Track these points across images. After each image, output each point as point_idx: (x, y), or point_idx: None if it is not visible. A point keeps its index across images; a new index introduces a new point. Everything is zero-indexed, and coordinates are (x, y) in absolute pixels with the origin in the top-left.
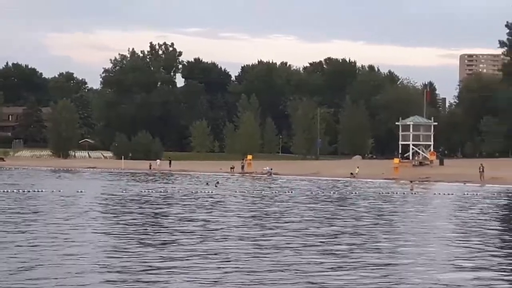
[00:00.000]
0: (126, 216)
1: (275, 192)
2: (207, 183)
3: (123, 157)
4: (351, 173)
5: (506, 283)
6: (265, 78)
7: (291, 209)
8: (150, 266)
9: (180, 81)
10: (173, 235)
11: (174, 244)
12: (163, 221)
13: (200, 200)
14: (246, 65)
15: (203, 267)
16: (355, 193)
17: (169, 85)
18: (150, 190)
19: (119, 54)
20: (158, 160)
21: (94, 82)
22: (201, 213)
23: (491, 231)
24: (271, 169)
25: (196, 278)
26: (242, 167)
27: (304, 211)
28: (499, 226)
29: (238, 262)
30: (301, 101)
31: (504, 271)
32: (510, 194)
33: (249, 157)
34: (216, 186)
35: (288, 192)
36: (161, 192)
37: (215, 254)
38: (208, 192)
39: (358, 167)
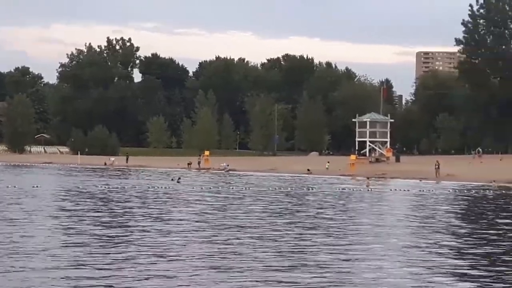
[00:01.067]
0: (82, 212)
1: (235, 188)
2: (172, 179)
3: (79, 152)
4: (308, 169)
5: (458, 277)
6: (223, 74)
7: (249, 205)
8: (101, 260)
9: (137, 76)
10: (129, 231)
11: (128, 238)
12: (119, 217)
13: (163, 196)
14: (204, 61)
15: (155, 260)
16: (311, 189)
17: (126, 81)
18: (109, 186)
19: (76, 48)
20: (112, 157)
21: (51, 77)
22: (159, 208)
23: (445, 227)
24: (227, 165)
25: (148, 272)
26: (199, 163)
27: (258, 207)
28: (453, 222)
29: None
30: (259, 97)
31: (456, 266)
32: (465, 191)
33: (206, 153)
34: (178, 182)
35: (246, 188)
36: (119, 187)
37: (169, 249)
38: (170, 187)
39: (328, 162)
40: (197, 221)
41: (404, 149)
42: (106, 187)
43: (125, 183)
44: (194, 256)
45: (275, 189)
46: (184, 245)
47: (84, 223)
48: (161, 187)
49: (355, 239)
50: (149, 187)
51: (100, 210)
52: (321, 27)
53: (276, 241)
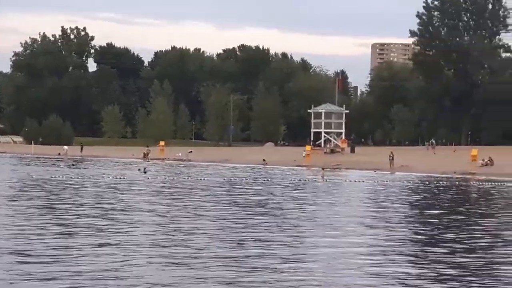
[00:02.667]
0: (34, 201)
1: (197, 178)
2: (139, 169)
3: (33, 142)
4: (264, 160)
5: (410, 265)
6: (178, 64)
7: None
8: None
9: (92, 65)
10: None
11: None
12: (75, 207)
13: (130, 186)
14: (159, 51)
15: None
16: (266, 180)
17: (81, 70)
18: (62, 176)
19: (30, 37)
20: (65, 147)
21: (4, 66)
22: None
23: (398, 218)
24: (191, 152)
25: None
26: (146, 154)
27: (212, 198)
28: (406, 212)
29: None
30: (215, 88)
31: (409, 255)
32: (418, 182)
33: (162, 143)
34: (144, 173)
35: (203, 178)
36: (79, 177)
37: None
38: (136, 178)
39: (305, 152)
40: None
41: (363, 140)
42: (58, 176)
43: (83, 173)
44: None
45: (230, 179)
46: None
47: (35, 213)
48: (126, 178)
49: (304, 229)
50: (110, 177)
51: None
52: (277, 18)
53: (224, 230)
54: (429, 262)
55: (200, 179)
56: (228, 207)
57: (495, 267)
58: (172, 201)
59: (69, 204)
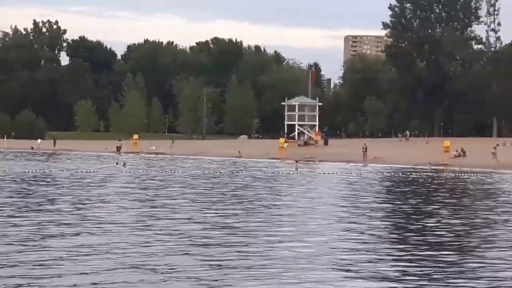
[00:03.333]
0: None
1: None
2: (117, 163)
3: (5, 136)
4: (239, 152)
5: (383, 253)
6: (151, 58)
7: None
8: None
9: (64, 59)
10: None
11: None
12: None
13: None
14: (132, 44)
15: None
16: (241, 172)
17: (54, 64)
18: (33, 170)
19: (1, 31)
20: (39, 140)
21: None
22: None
23: (371, 208)
24: (172, 142)
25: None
26: (118, 148)
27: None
28: (379, 203)
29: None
30: (188, 81)
31: (383, 247)
32: (392, 173)
33: (135, 136)
34: (124, 166)
35: (177, 171)
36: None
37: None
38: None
39: (286, 144)
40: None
41: (338, 132)
42: (30, 171)
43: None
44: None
45: (205, 172)
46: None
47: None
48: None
49: (286, 221)
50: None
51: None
52: (250, 11)
53: (196, 223)
54: (400, 253)
55: (177, 172)
56: (205, 200)
57: (467, 258)
58: (148, 196)
59: (42, 198)
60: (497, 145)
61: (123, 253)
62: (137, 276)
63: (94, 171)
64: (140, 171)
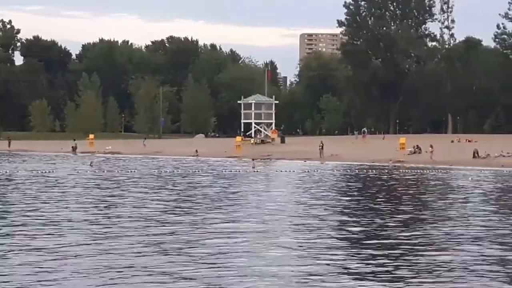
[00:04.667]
0: None
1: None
2: (83, 163)
3: None
4: (196, 151)
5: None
6: (107, 57)
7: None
8: None
9: (18, 59)
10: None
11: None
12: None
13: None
14: (87, 43)
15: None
16: (198, 171)
17: (7, 64)
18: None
19: None
20: None
21: None
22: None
23: (329, 205)
24: (145, 139)
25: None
26: (73, 148)
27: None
28: (336, 200)
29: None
30: (143, 80)
31: (339, 245)
32: (348, 170)
33: (91, 136)
34: (91, 166)
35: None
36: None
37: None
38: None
39: (253, 139)
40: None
41: (298, 130)
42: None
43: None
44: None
45: (161, 172)
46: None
47: None
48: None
49: (242, 218)
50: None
51: None
52: (205, 10)
53: (149, 220)
54: (348, 246)
55: (133, 171)
56: (158, 200)
57: (418, 249)
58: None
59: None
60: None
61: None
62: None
63: (49, 171)
64: (105, 171)
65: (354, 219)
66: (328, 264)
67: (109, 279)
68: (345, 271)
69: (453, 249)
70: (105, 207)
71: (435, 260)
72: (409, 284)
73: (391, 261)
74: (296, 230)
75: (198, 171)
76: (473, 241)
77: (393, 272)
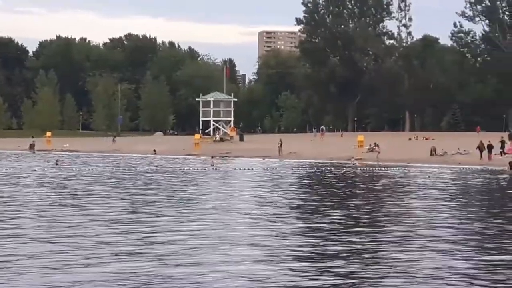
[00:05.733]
0: None
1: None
2: (47, 161)
3: None
4: (154, 150)
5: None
6: (64, 54)
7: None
8: None
9: None
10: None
11: None
12: None
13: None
14: (44, 40)
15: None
16: (155, 169)
17: None
18: None
19: None
20: None
21: None
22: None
23: (286, 202)
24: (115, 137)
25: None
26: (31, 145)
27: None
28: (293, 197)
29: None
30: (101, 77)
31: (295, 242)
32: (307, 168)
33: (48, 134)
34: (57, 164)
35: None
36: None
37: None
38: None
39: (217, 135)
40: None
41: (259, 128)
42: None
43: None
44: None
45: (118, 169)
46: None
47: None
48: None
49: (200, 217)
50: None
51: None
52: (164, 7)
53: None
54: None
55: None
56: (109, 199)
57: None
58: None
59: None
60: (370, 144)
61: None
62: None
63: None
64: (74, 169)
65: (308, 216)
66: (282, 262)
67: None
68: (292, 267)
69: (412, 244)
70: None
71: (385, 256)
72: (356, 279)
73: (343, 258)
74: (249, 226)
75: (156, 169)
76: (431, 240)
77: (344, 266)
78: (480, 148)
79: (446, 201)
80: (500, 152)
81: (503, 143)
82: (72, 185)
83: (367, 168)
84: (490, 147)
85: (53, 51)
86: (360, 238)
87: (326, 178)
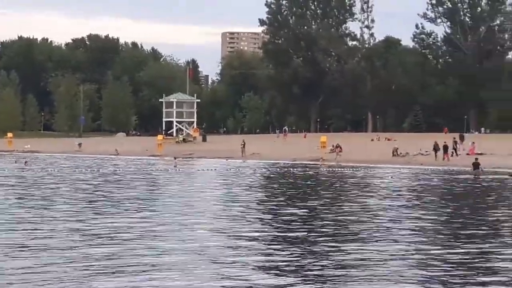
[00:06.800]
0: None
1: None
2: (15, 161)
3: None
4: (116, 150)
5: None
6: (26, 54)
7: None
8: None
9: None
10: None
11: None
12: None
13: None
14: (6, 40)
15: None
16: (119, 170)
17: None
18: None
19: None
20: None
21: None
22: None
23: (249, 202)
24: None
25: None
26: None
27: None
28: (257, 196)
29: None
30: (64, 78)
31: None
32: (271, 168)
33: (9, 134)
34: (25, 165)
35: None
36: None
37: None
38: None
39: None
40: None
41: (225, 129)
42: None
43: None
44: None
45: (82, 170)
46: None
47: None
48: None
49: (165, 216)
50: None
51: None
52: (127, 8)
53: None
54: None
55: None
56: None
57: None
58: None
59: None
60: (337, 145)
61: None
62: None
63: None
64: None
65: (269, 215)
66: (235, 262)
67: None
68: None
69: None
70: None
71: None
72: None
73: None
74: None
75: (118, 170)
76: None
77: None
78: (435, 148)
79: (405, 201)
80: (452, 152)
81: (455, 143)
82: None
83: (331, 169)
84: (445, 148)
85: (15, 52)
86: (312, 234)
87: (287, 178)
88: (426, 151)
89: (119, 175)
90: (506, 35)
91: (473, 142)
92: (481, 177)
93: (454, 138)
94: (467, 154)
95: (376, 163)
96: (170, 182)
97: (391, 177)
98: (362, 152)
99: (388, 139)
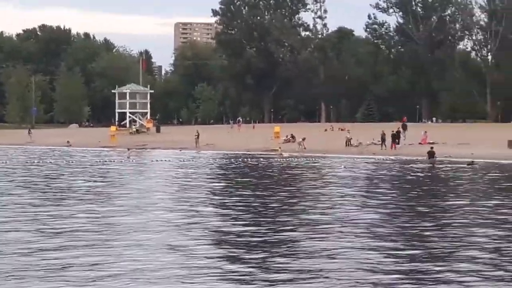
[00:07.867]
0: None
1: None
2: None
3: None
4: (68, 142)
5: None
6: None
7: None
8: None
9: None
10: None
11: None
12: None
13: None
14: None
15: None
16: (72, 162)
17: None
18: None
19: None
20: None
21: None
22: None
23: (204, 192)
24: (30, 133)
25: None
26: None
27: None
28: (214, 185)
29: None
30: (15, 69)
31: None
32: (225, 159)
33: None
34: None
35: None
36: None
37: None
38: None
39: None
40: None
41: (180, 119)
42: None
43: None
44: None
45: (33, 162)
46: None
47: None
48: None
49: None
50: None
51: None
52: None
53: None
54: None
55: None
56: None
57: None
58: None
59: None
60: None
61: None
62: None
63: None
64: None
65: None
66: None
67: None
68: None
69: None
70: None
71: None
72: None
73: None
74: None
75: (71, 162)
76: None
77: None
78: (382, 137)
79: (354, 189)
80: (395, 141)
81: (398, 133)
82: None
83: (285, 159)
84: (394, 137)
85: None
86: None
87: (240, 169)
88: (379, 141)
89: (62, 166)
90: (457, 25)
91: (425, 132)
92: (436, 166)
93: (398, 128)
94: (420, 143)
95: (330, 152)
96: (121, 174)
97: (344, 167)
98: (316, 142)
99: (342, 129)
